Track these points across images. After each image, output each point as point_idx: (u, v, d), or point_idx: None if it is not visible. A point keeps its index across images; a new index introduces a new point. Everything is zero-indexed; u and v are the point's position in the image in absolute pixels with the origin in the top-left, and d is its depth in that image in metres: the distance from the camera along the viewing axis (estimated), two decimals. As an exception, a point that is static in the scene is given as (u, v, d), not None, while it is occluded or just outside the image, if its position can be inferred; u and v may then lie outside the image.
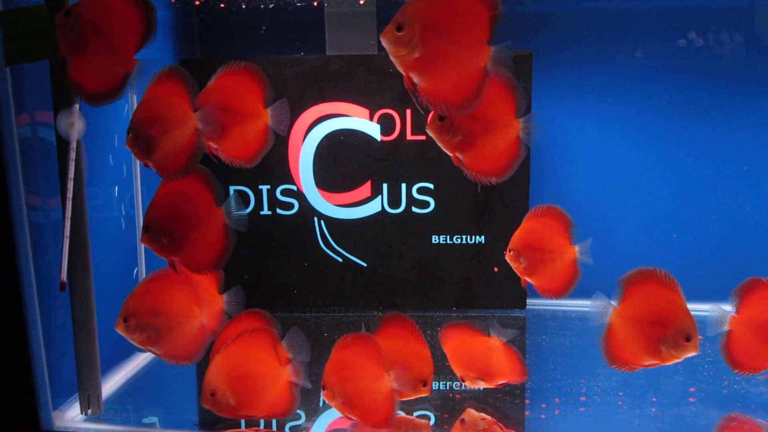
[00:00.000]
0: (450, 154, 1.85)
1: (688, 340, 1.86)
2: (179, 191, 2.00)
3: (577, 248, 2.12)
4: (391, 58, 1.65)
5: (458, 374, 2.17)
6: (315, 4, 3.78)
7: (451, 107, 1.72)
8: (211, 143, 1.97)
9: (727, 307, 2.12)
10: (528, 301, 3.94)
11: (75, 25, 1.83)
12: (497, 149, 1.84)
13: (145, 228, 1.91)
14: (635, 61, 3.89)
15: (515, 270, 2.13)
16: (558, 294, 2.15)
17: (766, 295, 2.04)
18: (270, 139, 2.07)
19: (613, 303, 1.97)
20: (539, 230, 2.13)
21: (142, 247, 3.25)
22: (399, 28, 1.60)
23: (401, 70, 1.66)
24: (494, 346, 2.13)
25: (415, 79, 1.67)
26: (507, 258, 2.12)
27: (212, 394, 1.94)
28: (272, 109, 2.03)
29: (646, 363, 1.97)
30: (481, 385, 2.12)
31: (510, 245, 2.12)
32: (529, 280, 2.12)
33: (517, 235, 2.14)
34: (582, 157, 4.01)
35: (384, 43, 1.61)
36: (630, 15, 3.86)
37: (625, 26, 3.87)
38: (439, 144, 1.77)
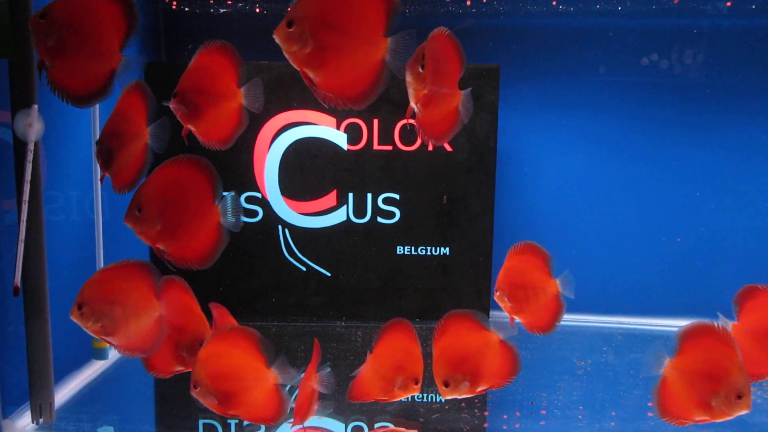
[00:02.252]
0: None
1: (740, 397, 1.85)
2: (177, 177, 1.94)
3: (558, 282, 2.08)
4: (285, 54, 1.62)
5: (443, 376, 2.01)
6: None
7: (348, 101, 1.69)
8: (189, 126, 1.93)
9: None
10: (491, 313, 3.93)
11: (52, 28, 1.78)
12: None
13: (136, 208, 1.84)
14: (601, 78, 3.96)
15: (504, 310, 2.08)
16: (545, 330, 2.11)
17: (765, 302, 2.03)
18: (244, 121, 2.02)
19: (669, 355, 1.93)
20: (521, 268, 2.07)
21: (101, 253, 3.18)
22: (289, 24, 1.59)
23: (295, 66, 1.63)
24: (492, 341, 2.04)
25: (311, 75, 1.64)
26: (495, 299, 2.08)
27: (195, 387, 1.89)
28: (245, 88, 1.98)
29: (697, 418, 1.94)
30: (463, 393, 1.99)
31: (496, 286, 2.07)
32: (517, 318, 2.08)
33: (501, 274, 2.07)
34: (547, 171, 4.06)
35: (276, 40, 1.59)
36: (597, 32, 3.92)
37: (592, 43, 3.93)
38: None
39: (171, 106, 1.88)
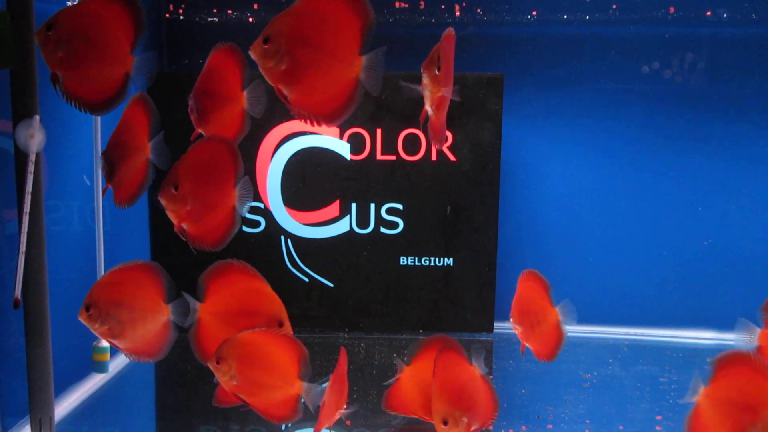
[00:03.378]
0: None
1: None
2: (209, 157, 1.91)
3: (558, 310, 2.09)
4: (260, 70, 1.63)
5: (442, 414, 1.87)
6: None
7: (322, 117, 1.71)
8: (199, 130, 1.94)
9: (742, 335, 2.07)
10: (495, 324, 3.91)
11: (60, 39, 1.77)
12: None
13: (173, 185, 1.81)
14: (606, 86, 3.93)
15: (518, 336, 2.07)
16: (549, 357, 2.10)
17: None
18: (247, 125, 2.02)
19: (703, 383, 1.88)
20: (528, 295, 2.08)
21: (101, 263, 3.14)
22: (266, 41, 1.61)
23: (270, 82, 1.65)
24: (476, 377, 1.95)
25: (285, 91, 1.66)
26: (512, 325, 2.08)
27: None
28: (248, 91, 1.98)
29: None
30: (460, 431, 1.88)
31: (510, 312, 2.08)
32: (527, 344, 2.07)
33: (513, 302, 2.08)
34: (551, 181, 4.03)
35: (252, 56, 1.61)
36: (601, 40, 3.90)
37: (596, 51, 3.91)
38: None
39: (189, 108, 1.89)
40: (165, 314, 1.95)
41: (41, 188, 2.49)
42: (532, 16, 3.88)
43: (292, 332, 1.92)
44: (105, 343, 2.92)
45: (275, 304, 1.94)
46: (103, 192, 2.91)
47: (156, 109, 2.01)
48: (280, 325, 1.89)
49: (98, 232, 3.09)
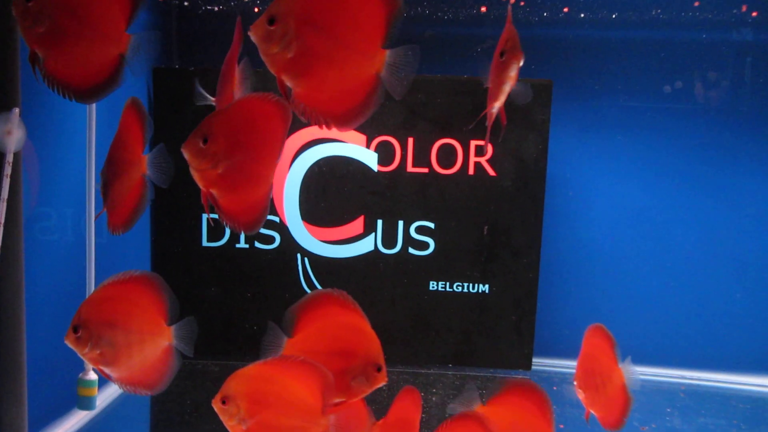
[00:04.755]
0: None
1: None
2: (253, 115, 1.65)
3: (622, 370, 1.90)
4: (262, 56, 1.44)
5: None
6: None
7: (332, 119, 1.49)
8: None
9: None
10: (534, 360, 3.57)
11: (42, 11, 1.56)
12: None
13: (202, 137, 1.56)
14: (661, 97, 3.58)
15: (582, 402, 1.89)
16: (617, 424, 1.90)
17: None
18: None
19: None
20: (595, 355, 1.90)
21: (92, 276, 2.77)
22: (271, 21, 1.42)
23: (272, 72, 1.46)
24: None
25: (289, 83, 1.46)
26: (575, 390, 1.89)
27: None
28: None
29: None
30: None
31: (574, 375, 1.90)
32: (592, 411, 1.89)
33: (578, 362, 1.89)
34: (600, 201, 3.69)
35: (253, 38, 1.41)
36: (657, 46, 3.56)
37: (652, 58, 3.57)
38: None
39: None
40: (166, 338, 1.76)
41: (20, 194, 2.18)
42: (584, 16, 3.53)
43: (386, 379, 1.72)
44: (92, 376, 2.58)
45: (374, 346, 1.72)
46: (96, 216, 2.66)
47: (150, 117, 1.84)
48: (378, 369, 1.69)
49: (89, 240, 2.72)
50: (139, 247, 3.43)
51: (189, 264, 3.48)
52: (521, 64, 1.50)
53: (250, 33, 1.43)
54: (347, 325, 1.72)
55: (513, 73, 1.52)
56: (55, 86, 1.62)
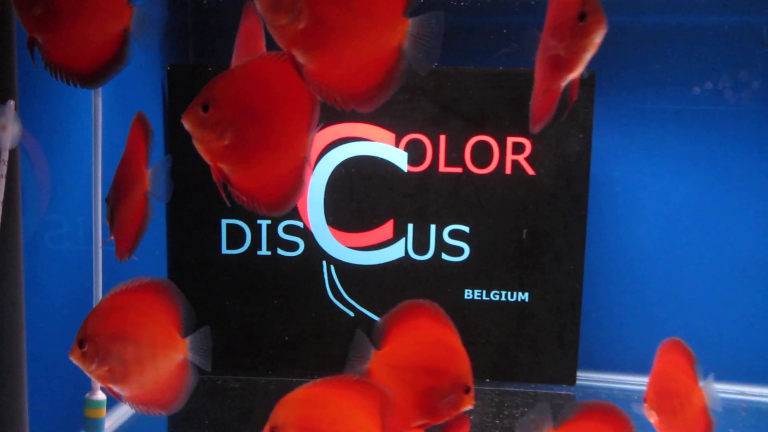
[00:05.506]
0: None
1: None
2: (269, 78, 1.49)
3: (703, 389, 1.74)
4: (269, 28, 1.31)
5: None
6: None
7: (351, 98, 1.36)
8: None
9: None
10: (578, 374, 3.32)
11: None
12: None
13: (202, 104, 1.44)
14: (717, 88, 3.32)
15: (655, 427, 1.74)
16: None
17: None
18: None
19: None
20: (670, 372, 1.75)
21: (99, 285, 2.60)
22: None
23: (281, 46, 1.33)
24: None
25: (301, 58, 1.32)
26: (644, 412, 1.73)
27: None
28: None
29: None
30: None
31: (644, 395, 1.75)
32: None
33: (650, 380, 1.75)
34: (649, 201, 3.44)
35: (259, 8, 1.28)
36: (713, 32, 3.29)
37: (706, 45, 3.31)
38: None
39: None
40: (181, 351, 1.67)
41: (18, 197, 2.01)
42: None
43: (473, 403, 1.61)
44: (101, 395, 2.39)
45: (463, 365, 1.63)
46: (103, 244, 2.54)
47: (153, 130, 1.76)
48: (467, 391, 1.59)
49: (96, 249, 2.54)
50: (155, 257, 3.26)
51: (208, 273, 3.31)
52: (605, 30, 1.29)
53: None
54: (438, 340, 1.64)
55: (598, 39, 1.31)
56: (58, 72, 1.53)
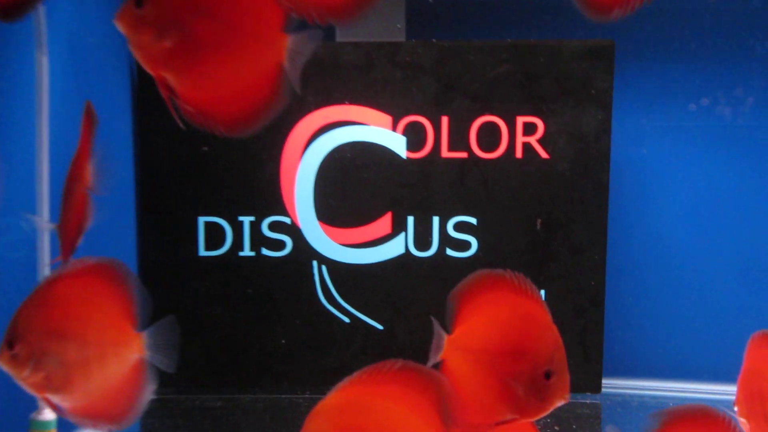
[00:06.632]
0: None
1: None
2: None
3: None
4: (132, 50, 1.26)
5: None
6: None
7: (223, 122, 1.31)
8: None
9: None
10: (604, 381, 3.10)
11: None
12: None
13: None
14: (752, 61, 3.12)
15: None
16: None
17: None
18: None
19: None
20: (762, 372, 1.56)
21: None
22: (139, 3, 1.23)
23: (146, 68, 1.27)
24: None
25: (170, 79, 1.27)
26: (737, 416, 1.55)
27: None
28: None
29: None
30: None
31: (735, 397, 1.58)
32: None
33: (740, 381, 1.58)
34: (677, 187, 3.24)
35: (119, 28, 1.23)
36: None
37: (739, 13, 3.12)
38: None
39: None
40: (137, 349, 1.48)
41: None
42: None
43: (564, 395, 1.38)
44: (49, 415, 2.11)
45: (544, 342, 1.41)
46: (52, 263, 2.35)
47: (98, 120, 1.65)
48: (547, 376, 1.36)
49: (41, 255, 2.25)
50: (123, 261, 2.95)
51: (184, 278, 3.07)
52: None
53: (115, 22, 1.25)
54: (521, 316, 1.43)
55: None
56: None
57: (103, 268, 1.48)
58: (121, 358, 1.48)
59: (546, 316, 1.45)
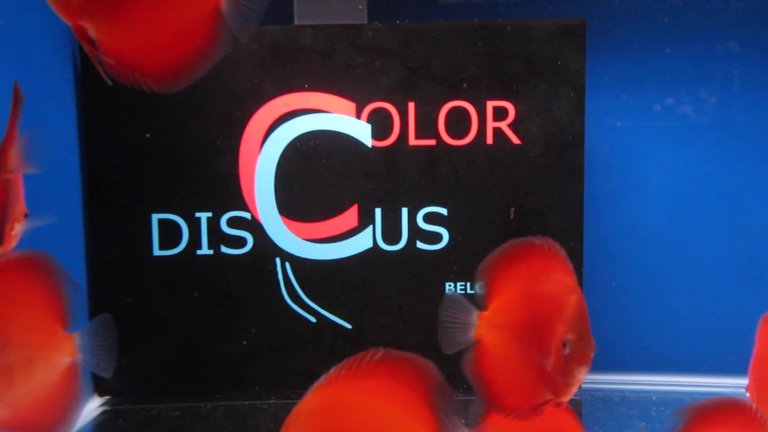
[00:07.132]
0: None
1: None
2: None
3: None
4: (51, 2, 1.14)
5: None
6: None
7: (152, 76, 1.20)
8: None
9: None
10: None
11: None
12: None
13: None
14: (730, 43, 3.04)
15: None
16: None
17: None
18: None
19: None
20: None
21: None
22: None
23: (63, 17, 1.15)
24: None
25: (90, 30, 1.14)
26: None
27: None
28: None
29: None
30: None
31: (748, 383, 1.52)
32: None
33: (752, 364, 1.51)
34: (655, 173, 3.14)
35: None
36: None
37: None
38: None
39: None
40: (68, 352, 1.39)
41: None
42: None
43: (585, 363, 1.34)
44: None
45: (567, 310, 1.38)
46: None
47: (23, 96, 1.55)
48: (565, 345, 1.34)
49: None
50: (71, 261, 2.79)
51: (137, 279, 2.89)
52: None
53: None
54: (550, 287, 1.39)
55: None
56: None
57: (27, 263, 1.36)
58: (51, 363, 1.37)
59: (573, 279, 1.41)
